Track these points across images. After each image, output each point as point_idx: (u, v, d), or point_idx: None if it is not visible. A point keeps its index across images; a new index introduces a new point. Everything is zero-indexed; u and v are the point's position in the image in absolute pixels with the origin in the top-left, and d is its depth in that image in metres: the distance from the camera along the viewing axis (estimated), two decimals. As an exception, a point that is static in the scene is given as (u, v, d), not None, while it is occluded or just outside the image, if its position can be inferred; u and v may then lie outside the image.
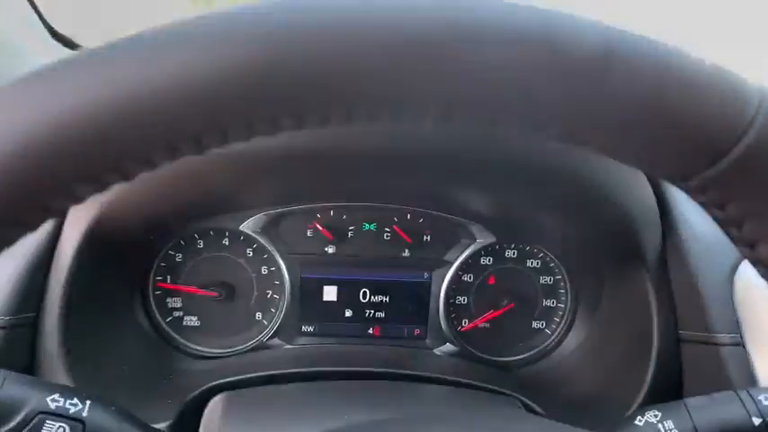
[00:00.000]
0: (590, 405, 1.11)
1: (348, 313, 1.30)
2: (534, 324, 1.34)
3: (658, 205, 1.02)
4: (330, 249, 1.27)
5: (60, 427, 0.67)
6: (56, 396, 0.68)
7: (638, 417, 0.84)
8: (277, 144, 0.82)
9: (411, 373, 1.10)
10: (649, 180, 0.97)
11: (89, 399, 0.71)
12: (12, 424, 0.66)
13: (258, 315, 1.28)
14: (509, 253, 1.31)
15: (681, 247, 1.05)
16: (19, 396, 0.67)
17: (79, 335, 0.95)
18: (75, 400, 0.70)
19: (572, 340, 1.30)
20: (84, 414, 0.69)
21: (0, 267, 0.90)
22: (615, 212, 0.96)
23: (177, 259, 1.24)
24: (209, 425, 0.89)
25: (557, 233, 1.16)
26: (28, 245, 0.92)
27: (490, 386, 1.09)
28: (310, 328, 1.29)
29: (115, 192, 0.93)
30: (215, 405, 0.93)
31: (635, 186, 0.97)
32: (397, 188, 1.10)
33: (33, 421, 0.66)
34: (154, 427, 0.78)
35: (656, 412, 0.82)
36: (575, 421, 1.05)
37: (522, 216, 1.12)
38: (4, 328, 0.88)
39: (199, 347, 1.25)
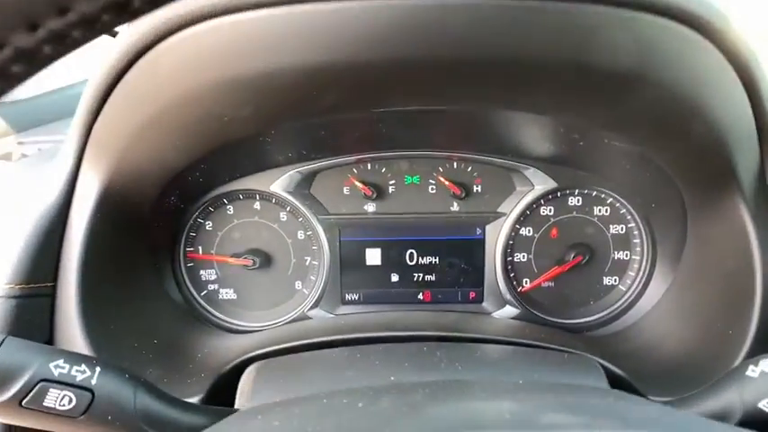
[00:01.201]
0: (683, 365, 0.95)
1: (394, 278, 1.18)
2: (606, 280, 1.18)
3: (756, 119, 0.84)
4: (370, 208, 1.16)
5: (65, 396, 0.58)
6: (60, 362, 0.60)
7: (751, 367, 0.68)
8: (303, 59, 0.69)
9: (469, 335, 0.97)
10: (747, 88, 0.79)
11: (99, 365, 0.62)
12: (10, 392, 0.57)
13: (298, 284, 1.18)
14: (572, 200, 1.15)
15: None
16: (18, 361, 0.58)
17: (100, 305, 0.87)
18: (83, 367, 0.61)
19: (651, 295, 1.14)
20: (93, 382, 0.60)
21: (10, 232, 0.82)
22: (706, 125, 0.78)
23: (207, 227, 1.15)
24: (244, 395, 0.79)
25: (631, 164, 0.99)
26: (37, 205, 0.84)
27: (562, 348, 0.94)
28: (354, 296, 1.18)
29: (127, 145, 0.84)
30: (250, 374, 0.83)
31: (729, 97, 0.79)
32: (440, 122, 0.95)
33: (34, 390, 0.58)
34: (176, 398, 0.68)
35: None
36: (667, 384, 0.91)
37: (591, 147, 0.95)
38: (18, 297, 0.80)
39: (236, 321, 1.17)
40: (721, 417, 0.68)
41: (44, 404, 0.58)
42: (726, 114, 0.80)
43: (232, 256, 1.15)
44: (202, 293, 1.17)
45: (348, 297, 1.18)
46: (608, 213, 1.16)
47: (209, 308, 1.17)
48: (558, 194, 1.14)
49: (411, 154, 1.12)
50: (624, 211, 1.15)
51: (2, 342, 0.59)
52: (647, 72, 0.71)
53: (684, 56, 0.72)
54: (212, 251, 1.16)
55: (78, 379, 0.60)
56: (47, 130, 1.42)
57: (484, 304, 1.18)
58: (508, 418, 0.49)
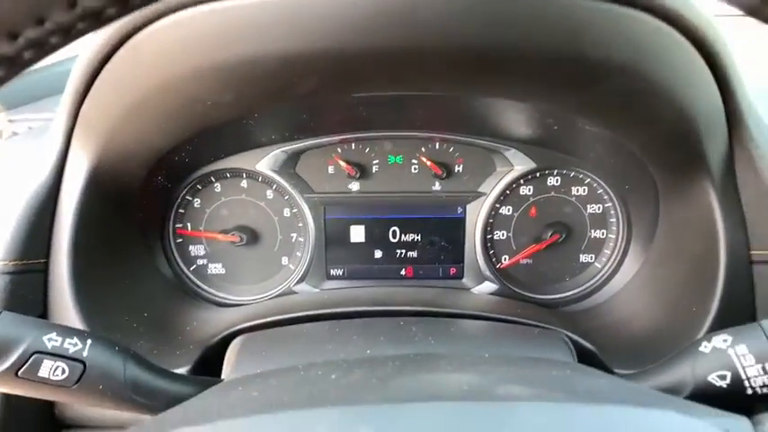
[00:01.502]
0: (649, 341, 1.00)
1: (378, 254, 1.22)
2: (582, 258, 1.23)
3: (725, 106, 0.87)
4: (354, 187, 1.19)
5: (59, 367, 0.63)
6: (53, 335, 0.64)
7: (704, 343, 0.73)
8: (283, 47, 0.71)
9: (448, 311, 1.02)
10: (716, 77, 0.82)
11: (90, 338, 0.66)
12: (6, 363, 0.61)
13: (284, 260, 1.22)
14: (551, 180, 1.19)
15: (752, 155, 0.90)
16: (13, 335, 0.62)
17: (92, 281, 0.91)
18: (75, 340, 0.65)
19: (625, 273, 1.18)
20: (85, 354, 0.64)
21: (2, 209, 0.85)
22: (676, 113, 0.81)
23: (195, 205, 1.18)
24: (230, 366, 0.83)
25: (605, 148, 1.02)
26: (29, 185, 0.87)
27: (535, 323, 0.99)
28: (339, 272, 1.22)
29: (114, 127, 0.86)
30: (236, 346, 0.87)
31: (699, 83, 0.82)
32: (421, 106, 0.98)
33: (29, 361, 0.62)
34: (164, 369, 0.72)
35: (726, 337, 0.71)
36: (633, 359, 0.96)
37: (566, 131, 0.99)
38: (12, 273, 0.84)
39: (224, 295, 1.21)
40: (674, 390, 0.72)
41: (39, 375, 0.62)
42: (696, 102, 0.83)
43: (220, 233, 1.19)
44: (191, 268, 1.21)
45: (333, 273, 1.22)
46: (585, 193, 1.19)
47: (198, 282, 1.21)
48: (538, 175, 1.18)
49: (394, 134, 1.15)
50: (601, 191, 1.19)
51: None
52: (623, 62, 0.74)
53: (657, 47, 0.75)
54: (201, 228, 1.19)
55: (71, 351, 0.64)
56: (36, 108, 1.43)
57: (464, 280, 1.22)
58: (466, 389, 0.53)
